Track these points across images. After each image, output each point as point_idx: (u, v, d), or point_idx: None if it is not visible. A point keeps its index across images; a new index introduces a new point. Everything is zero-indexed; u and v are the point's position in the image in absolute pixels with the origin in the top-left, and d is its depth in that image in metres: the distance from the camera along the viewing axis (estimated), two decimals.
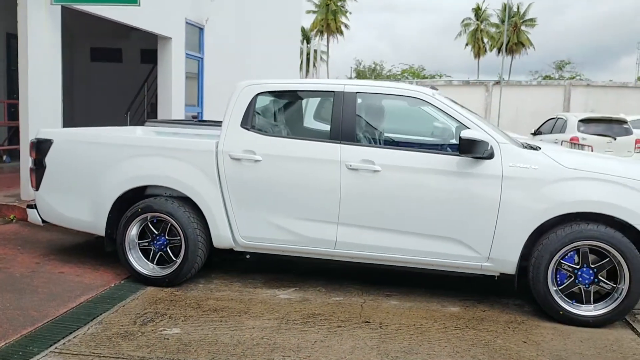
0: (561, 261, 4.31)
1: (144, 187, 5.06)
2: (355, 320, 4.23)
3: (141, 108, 13.56)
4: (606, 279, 4.28)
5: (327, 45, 64.17)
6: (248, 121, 4.83)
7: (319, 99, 5.44)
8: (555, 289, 4.32)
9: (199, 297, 4.63)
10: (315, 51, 25.30)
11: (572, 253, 4.30)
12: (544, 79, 52.87)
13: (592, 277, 4.27)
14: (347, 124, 4.65)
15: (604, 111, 23.58)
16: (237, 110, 4.86)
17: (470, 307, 4.62)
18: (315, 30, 63.86)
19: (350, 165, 4.55)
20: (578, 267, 4.30)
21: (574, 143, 13.49)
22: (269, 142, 4.75)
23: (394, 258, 4.60)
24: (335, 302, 4.60)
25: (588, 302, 4.30)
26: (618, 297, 4.23)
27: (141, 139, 5.18)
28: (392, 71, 59.57)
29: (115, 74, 15.17)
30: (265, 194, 4.70)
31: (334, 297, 4.74)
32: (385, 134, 5.01)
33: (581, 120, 13.97)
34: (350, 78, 47.80)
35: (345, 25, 65.06)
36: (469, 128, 4.47)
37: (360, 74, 59.63)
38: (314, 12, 63.55)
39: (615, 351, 3.85)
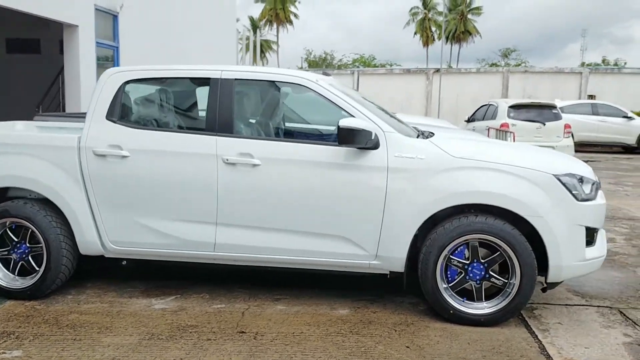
0: (451, 256, 4.02)
1: (7, 189, 4.53)
2: (230, 330, 3.84)
3: (56, 101, 12.80)
4: (499, 274, 4.01)
5: (277, 35, 63.43)
6: (114, 113, 4.35)
7: (204, 87, 5.00)
8: (445, 286, 4.03)
9: (61, 310, 4.15)
10: (267, 41, 24.72)
11: (462, 248, 4.02)
12: (490, 66, 53.56)
13: (483, 273, 4.00)
14: (224, 113, 4.24)
15: (541, 97, 23.87)
16: (102, 101, 4.38)
17: (362, 308, 4.29)
18: (265, 20, 63.01)
19: (227, 160, 4.14)
20: (468, 262, 4.02)
21: (504, 130, 13.43)
22: (137, 136, 4.29)
23: (278, 259, 4.23)
24: (215, 310, 4.20)
25: (480, 299, 4.02)
26: (510, 293, 3.96)
27: (2, 136, 4.64)
28: (343, 60, 59.30)
29: (33, 65, 14.33)
30: (135, 193, 4.25)
31: (216, 304, 4.33)
32: (266, 125, 4.62)
33: (511, 107, 13.94)
34: (301, 68, 47.30)
35: (295, 15, 64.42)
36: (353, 116, 4.11)
37: (311, 64, 59.16)
38: (262, 1, 62.64)
39: (502, 353, 3.58)
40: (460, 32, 60.75)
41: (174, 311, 4.18)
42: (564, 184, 3.92)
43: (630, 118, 19.79)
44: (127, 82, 4.41)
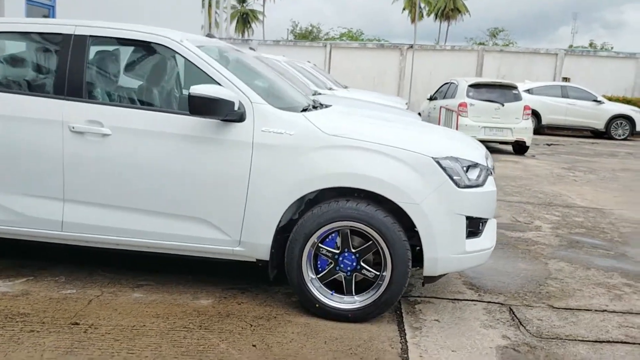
0: (320, 245, 3.61)
1: None
2: (63, 321, 3.42)
3: None
4: (373, 266, 3.61)
5: (263, 6, 62.18)
6: None
7: None
8: (312, 277, 3.64)
9: None
10: (253, 11, 24.03)
11: (334, 235, 3.61)
12: (466, 44, 52.98)
13: (354, 264, 3.60)
14: (74, 75, 3.76)
15: (515, 77, 23.47)
16: None
17: (229, 298, 3.89)
18: None
19: (74, 128, 3.69)
20: (338, 252, 3.61)
21: (451, 110, 13.02)
22: None
23: (133, 242, 3.80)
24: (61, 297, 3.77)
25: (350, 292, 3.63)
26: (380, 287, 3.57)
27: None
28: (330, 34, 58.30)
29: None
30: None
31: (67, 289, 3.91)
32: (122, 89, 4.13)
33: (471, 85, 13.50)
34: (287, 40, 46.11)
35: None
36: (219, 84, 3.65)
37: (296, 37, 58.11)
38: None
39: (356, 355, 3.20)
40: (449, 10, 59.93)
41: (15, 296, 3.75)
42: (443, 168, 3.52)
43: (600, 102, 19.49)
44: None
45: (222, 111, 3.48)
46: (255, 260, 3.75)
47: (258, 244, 3.65)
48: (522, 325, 3.70)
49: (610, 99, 20.85)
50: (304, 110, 3.98)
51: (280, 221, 3.61)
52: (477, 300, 4.09)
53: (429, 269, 3.58)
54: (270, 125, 3.61)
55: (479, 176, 3.69)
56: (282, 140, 3.58)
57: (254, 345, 3.25)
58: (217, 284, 4.10)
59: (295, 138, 3.58)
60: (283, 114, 3.66)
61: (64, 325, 3.38)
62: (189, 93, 3.43)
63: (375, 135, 3.64)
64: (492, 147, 14.27)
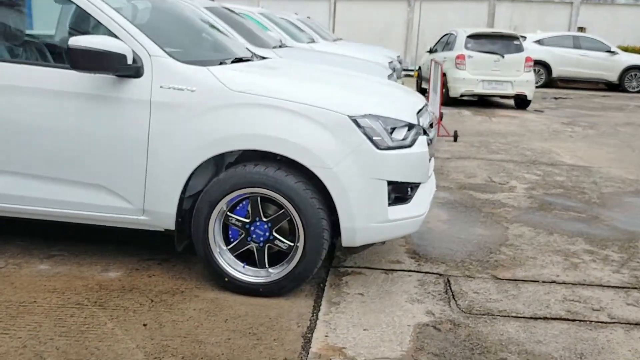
0: (229, 214, 3.29)
1: None
2: None
3: None
4: (288, 236, 3.28)
5: None
6: None
7: None
8: (223, 248, 3.33)
9: None
10: None
11: (245, 203, 3.28)
12: None
13: (267, 234, 3.27)
14: None
15: (528, 27, 22.58)
16: None
17: (142, 270, 3.61)
18: None
19: None
20: (249, 221, 3.28)
21: (460, 62, 12.46)
22: None
23: (31, 211, 3.51)
24: None
25: (262, 264, 3.32)
26: (294, 259, 3.25)
27: None
28: None
29: None
30: None
31: None
32: (9, 38, 3.73)
33: (470, 36, 12.90)
34: None
35: None
36: (115, 35, 3.27)
37: None
38: None
39: (254, 335, 2.90)
40: None
41: None
42: (361, 128, 3.13)
43: (613, 53, 18.61)
44: None
45: (111, 65, 3.11)
46: (163, 230, 3.44)
47: (162, 212, 3.33)
48: (454, 299, 3.37)
49: (627, 50, 19.92)
50: (221, 63, 3.60)
51: (185, 188, 3.27)
52: (414, 271, 3.76)
53: (347, 240, 3.25)
54: (170, 81, 3.24)
55: (405, 137, 3.30)
56: (182, 97, 3.22)
57: (144, 325, 2.97)
58: (135, 255, 3.81)
59: (197, 95, 3.22)
60: (186, 68, 3.28)
61: None
62: (69, 45, 3.06)
63: (288, 91, 3.25)
64: (492, 101, 13.72)
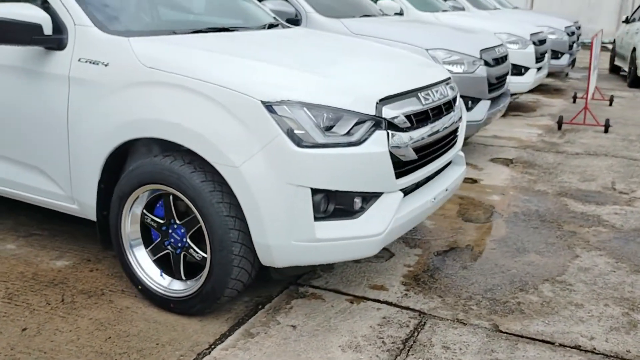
0: (145, 212, 2.80)
1: None
2: None
3: None
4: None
5: None
6: None
7: None
8: (140, 251, 2.85)
9: None
10: None
11: (162, 201, 2.76)
12: None
13: (183, 239, 2.72)
14: None
15: None
16: None
17: (89, 263, 3.31)
18: None
19: None
20: (163, 222, 2.76)
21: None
22: None
23: None
24: None
25: (179, 274, 2.78)
26: (203, 274, 2.65)
27: None
28: None
29: None
30: None
31: None
32: None
33: None
34: None
35: None
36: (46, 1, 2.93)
37: None
38: None
39: None
40: None
41: None
42: (276, 117, 2.40)
43: None
44: None
45: (23, 37, 2.77)
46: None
47: (85, 203, 2.96)
48: (407, 354, 2.49)
49: None
50: (174, 33, 3.06)
51: (106, 177, 2.85)
52: (389, 303, 2.91)
53: (264, 258, 2.56)
54: (88, 53, 2.81)
55: (351, 131, 2.47)
56: (95, 72, 2.77)
57: (23, 329, 2.63)
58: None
59: (110, 70, 2.74)
60: (105, 40, 2.81)
61: None
62: None
63: (205, 68, 2.59)
64: None
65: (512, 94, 8.12)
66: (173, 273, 2.79)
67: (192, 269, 2.75)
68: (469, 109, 4.94)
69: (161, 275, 2.82)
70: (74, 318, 2.73)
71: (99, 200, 2.88)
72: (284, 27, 3.96)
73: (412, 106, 2.73)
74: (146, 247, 2.85)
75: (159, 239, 2.80)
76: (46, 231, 3.69)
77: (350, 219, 2.54)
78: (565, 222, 4.03)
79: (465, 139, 5.36)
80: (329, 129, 2.46)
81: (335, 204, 2.53)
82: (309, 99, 2.44)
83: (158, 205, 2.78)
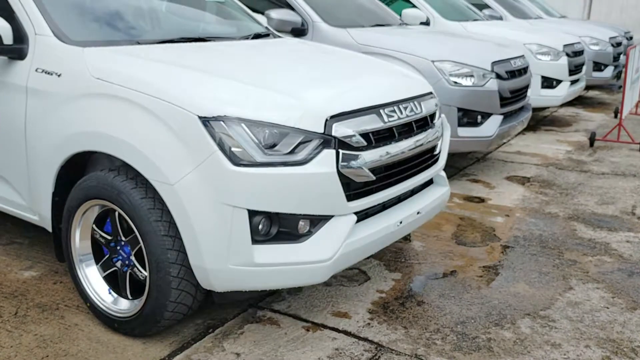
0: (94, 227, 2.72)
1: None
2: None
3: None
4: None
5: None
6: None
7: None
8: (89, 267, 2.77)
9: None
10: None
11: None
12: None
13: (130, 256, 2.63)
14: None
15: None
16: None
17: (56, 274, 3.25)
18: None
19: None
20: (111, 238, 2.67)
21: None
22: None
23: None
24: None
25: (125, 292, 2.69)
26: (143, 294, 2.55)
27: None
28: None
29: None
30: None
31: None
32: None
33: None
34: None
35: None
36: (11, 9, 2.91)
37: None
38: None
39: None
40: None
41: None
42: (212, 133, 2.27)
43: None
44: None
45: None
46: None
47: (42, 214, 2.91)
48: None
49: None
50: (168, 41, 3.00)
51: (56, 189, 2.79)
52: (347, 333, 2.72)
53: (203, 281, 2.43)
54: (44, 63, 2.77)
55: (295, 150, 2.32)
56: (49, 83, 2.72)
57: None
58: None
59: (62, 80, 2.69)
60: (61, 49, 2.75)
61: None
62: None
63: (150, 80, 2.47)
64: None
65: (543, 108, 7.76)
66: (120, 291, 2.70)
67: (141, 289, 2.64)
68: (478, 124, 4.69)
69: (109, 292, 2.73)
70: (20, 333, 2.67)
71: (54, 212, 2.82)
72: (274, 37, 3.84)
73: (371, 124, 2.54)
74: (97, 263, 2.76)
75: (107, 255, 2.71)
76: (27, 239, 3.67)
77: (294, 243, 2.38)
78: (567, 249, 3.73)
79: (479, 155, 5.16)
80: (271, 147, 2.31)
81: (278, 227, 2.37)
82: (249, 115, 2.30)
83: (108, 220, 2.69)
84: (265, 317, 2.85)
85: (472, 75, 4.62)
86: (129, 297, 2.66)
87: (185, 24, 3.58)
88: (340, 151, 2.39)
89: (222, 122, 2.27)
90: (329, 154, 2.36)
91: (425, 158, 2.94)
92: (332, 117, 2.41)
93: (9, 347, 2.57)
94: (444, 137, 3.18)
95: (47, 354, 2.53)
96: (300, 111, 2.37)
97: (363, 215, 2.61)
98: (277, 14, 4.79)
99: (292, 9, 5.07)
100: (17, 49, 2.81)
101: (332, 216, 2.44)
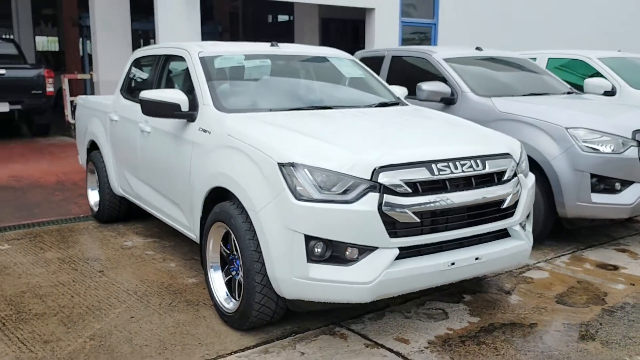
0: (221, 244, 3.67)
1: None
2: None
3: None
4: None
5: None
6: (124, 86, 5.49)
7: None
8: (216, 274, 3.71)
9: None
10: None
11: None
12: None
13: (238, 266, 3.51)
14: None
15: None
16: (122, 77, 5.59)
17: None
18: None
19: (142, 128, 4.77)
20: (229, 252, 3.59)
21: None
22: (122, 104, 5.33)
23: (160, 217, 4.66)
24: None
25: (234, 294, 3.56)
26: (242, 295, 3.38)
27: None
28: None
29: None
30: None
31: None
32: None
33: None
34: None
35: None
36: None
37: None
38: None
39: None
40: None
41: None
42: (285, 175, 3.06)
43: None
44: (136, 59, 5.44)
45: (168, 112, 3.96)
46: None
47: (197, 234, 3.95)
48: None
49: None
50: (296, 109, 3.99)
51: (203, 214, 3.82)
52: (398, 354, 3.18)
53: (276, 288, 3.18)
54: (204, 124, 3.86)
55: (346, 191, 2.99)
56: (204, 138, 3.79)
57: (131, 317, 3.69)
58: None
59: (211, 136, 3.74)
60: (217, 115, 3.83)
61: None
62: (140, 97, 4.05)
63: (256, 135, 3.39)
64: None
65: None
66: (232, 293, 3.57)
67: None
68: (617, 191, 4.68)
69: (226, 294, 3.61)
70: (166, 317, 3.68)
71: (201, 232, 3.84)
72: (402, 105, 4.51)
73: (419, 175, 3.07)
74: (222, 270, 3.68)
75: (227, 265, 3.62)
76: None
77: (343, 266, 3.01)
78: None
79: (615, 222, 5.09)
80: (329, 187, 3.00)
81: (331, 252, 3.02)
82: (311, 163, 3.03)
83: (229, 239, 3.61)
84: (339, 332, 3.45)
85: (609, 143, 4.67)
86: (237, 298, 3.51)
87: (318, 96, 4.47)
88: (385, 195, 2.97)
89: (291, 167, 3.04)
90: (373, 196, 2.96)
91: (489, 210, 3.30)
92: (380, 167, 3.02)
93: (155, 324, 3.58)
94: (522, 194, 3.49)
95: (176, 331, 3.47)
96: (351, 162, 3.03)
97: (414, 252, 3.11)
98: (427, 86, 5.45)
99: (446, 81, 5.67)
100: (189, 114, 3.96)
101: (377, 248, 3.00)
